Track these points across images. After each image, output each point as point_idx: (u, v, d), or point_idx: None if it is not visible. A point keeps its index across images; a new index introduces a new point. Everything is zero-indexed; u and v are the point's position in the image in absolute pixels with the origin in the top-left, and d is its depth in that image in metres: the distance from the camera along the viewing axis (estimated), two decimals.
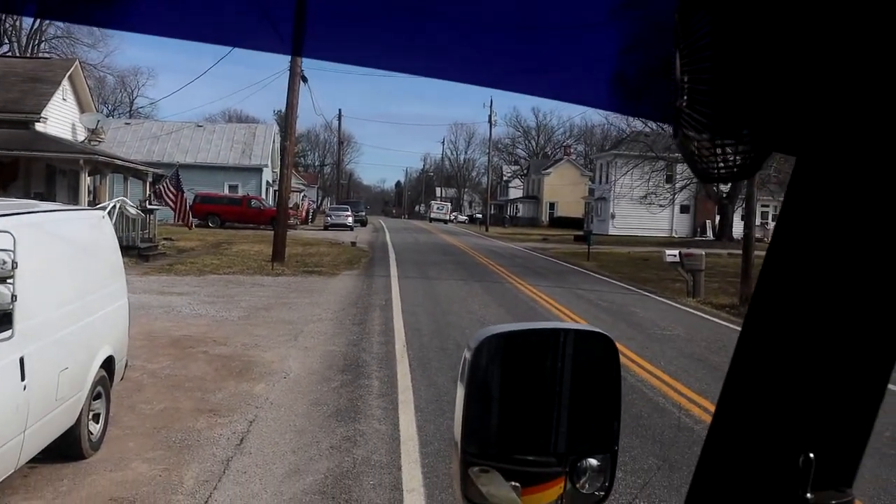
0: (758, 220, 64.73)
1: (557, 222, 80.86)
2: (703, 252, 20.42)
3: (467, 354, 0.97)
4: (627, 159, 57.95)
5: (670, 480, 6.08)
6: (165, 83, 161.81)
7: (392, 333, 11.94)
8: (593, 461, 1.01)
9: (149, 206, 24.73)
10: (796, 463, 0.74)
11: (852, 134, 0.69)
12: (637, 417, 7.66)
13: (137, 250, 21.47)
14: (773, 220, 64.74)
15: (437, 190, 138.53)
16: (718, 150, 0.72)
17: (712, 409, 5.09)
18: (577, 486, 1.00)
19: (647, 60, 1.20)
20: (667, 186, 56.94)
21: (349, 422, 7.40)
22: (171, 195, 22.05)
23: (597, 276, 24.59)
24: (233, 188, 49.26)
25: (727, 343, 12.62)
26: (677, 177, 57.42)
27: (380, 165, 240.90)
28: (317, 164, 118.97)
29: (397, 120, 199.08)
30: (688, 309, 17.21)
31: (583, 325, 1.09)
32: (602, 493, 1.02)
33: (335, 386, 8.76)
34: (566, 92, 1.33)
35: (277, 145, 56.80)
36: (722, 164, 0.72)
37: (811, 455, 0.73)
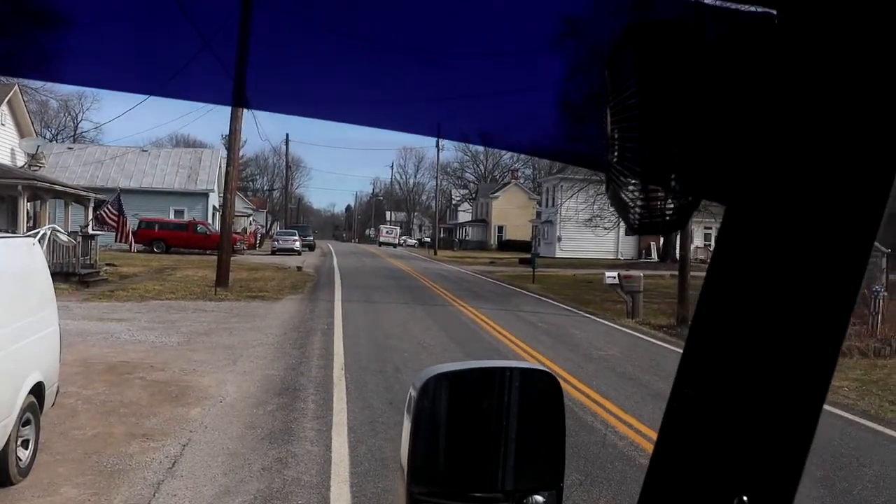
0: (702, 242, 66.23)
1: (506, 245, 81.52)
2: (641, 274, 20.92)
3: (413, 393, 0.99)
4: (573, 182, 58.80)
5: (590, 494, 6.32)
6: (110, 107, 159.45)
7: (331, 357, 12.05)
8: (539, 498, 1.02)
9: (90, 232, 24.43)
10: None
11: (774, 181, 0.71)
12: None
13: (78, 276, 21.23)
14: (714, 242, 65.99)
15: (387, 214, 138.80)
16: (650, 202, 0.73)
17: (638, 426, 5.51)
18: None
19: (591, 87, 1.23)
20: (612, 209, 57.82)
21: (282, 444, 7.51)
22: (112, 218, 21.89)
23: (540, 298, 24.97)
24: (178, 213, 48.84)
25: (659, 361, 13.02)
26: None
27: (330, 190, 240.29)
28: (265, 188, 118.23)
29: (347, 144, 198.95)
30: (625, 330, 17.61)
31: (527, 364, 1.08)
32: None
33: (271, 409, 8.86)
34: (508, 136, 1.38)
35: (224, 170, 56.58)
36: (653, 216, 0.73)
37: (745, 498, 0.73)
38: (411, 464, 0.98)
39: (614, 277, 20.80)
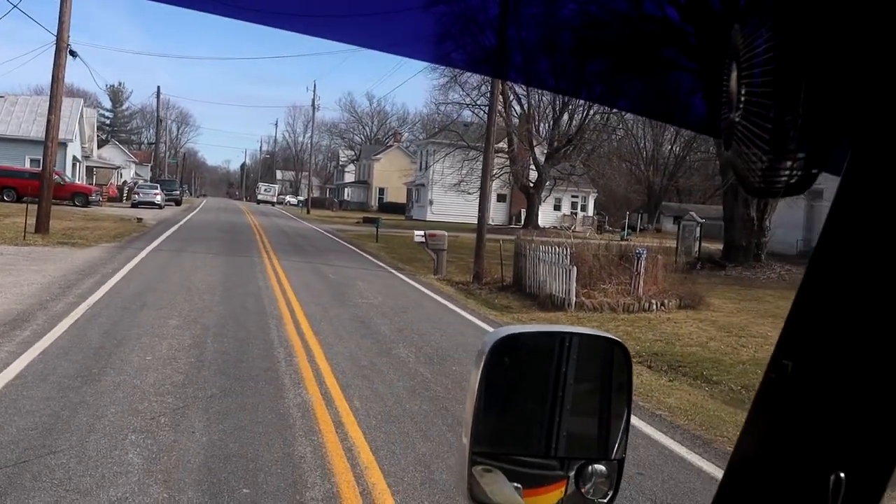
0: (568, 210, 68.46)
1: (386, 207, 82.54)
2: (444, 233, 22.18)
3: (484, 353, 0.99)
4: (443, 147, 60.07)
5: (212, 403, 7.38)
6: None
7: (89, 296, 12.77)
8: (601, 467, 1.00)
9: None
10: (826, 483, 0.69)
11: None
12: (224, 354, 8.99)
13: None
14: (581, 210, 68.77)
15: (277, 173, 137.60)
16: (774, 166, 0.69)
17: (318, 357, 6.75)
18: (583, 490, 1.01)
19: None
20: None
21: None
22: None
23: (364, 255, 26.10)
24: (35, 162, 47.63)
25: (408, 307, 14.26)
26: (496, 168, 60.36)
27: (224, 147, 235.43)
28: (148, 142, 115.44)
29: (238, 101, 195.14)
30: (415, 284, 18.83)
31: (596, 331, 1.07)
32: (605, 501, 1.02)
33: None
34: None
35: (85, 121, 55.32)
36: (775, 180, 0.69)
37: (842, 475, 0.68)
38: (474, 424, 0.97)
39: (422, 236, 22.03)
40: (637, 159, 77.13)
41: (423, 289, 17.78)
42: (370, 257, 25.58)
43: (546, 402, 1.00)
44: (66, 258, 17.85)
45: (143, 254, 19.68)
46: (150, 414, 6.85)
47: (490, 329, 12.89)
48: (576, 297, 16.53)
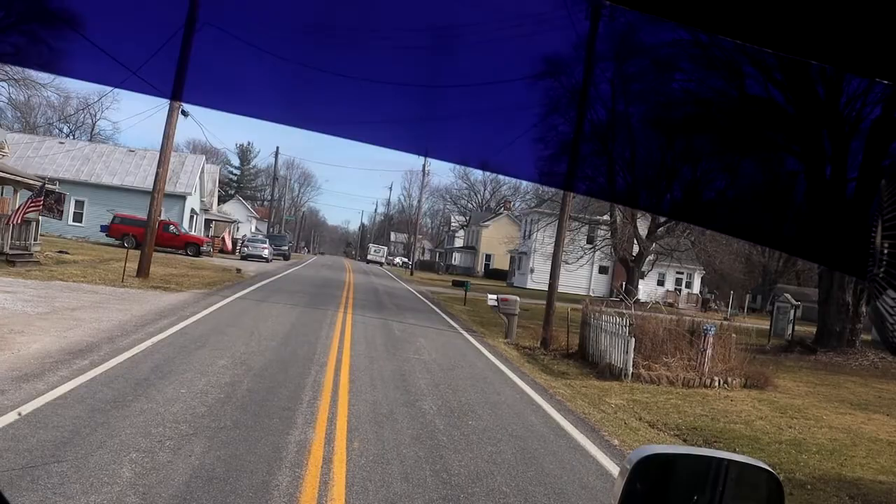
0: (672, 286, 67.33)
1: (492, 274, 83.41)
2: (517, 298, 22.50)
3: (626, 468, 0.99)
4: (545, 217, 60.51)
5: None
6: (129, 108, 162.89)
7: (158, 335, 13.75)
8: None
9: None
10: None
11: None
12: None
13: (5, 256, 23.09)
14: (685, 287, 67.61)
15: (392, 234, 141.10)
16: None
17: (339, 405, 7.49)
18: None
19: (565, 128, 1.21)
20: (586, 246, 59.59)
21: (26, 381, 9.22)
22: (33, 202, 23.63)
23: (442, 315, 26.65)
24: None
25: (458, 365, 14.64)
26: (597, 240, 60.57)
27: (344, 208, 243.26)
28: (268, 198, 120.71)
29: (356, 163, 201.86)
30: (478, 346, 19.17)
31: (748, 459, 1.05)
32: None
33: (51, 362, 10.57)
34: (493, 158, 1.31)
35: (207, 176, 58.70)
36: None
37: None
38: None
39: (495, 300, 22.42)
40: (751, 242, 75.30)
41: (484, 350, 18.11)
42: (448, 318, 26.10)
43: None
44: (154, 301, 19.13)
45: (225, 301, 20.85)
46: (158, 437, 7.49)
47: (528, 390, 13.14)
48: (634, 367, 16.51)
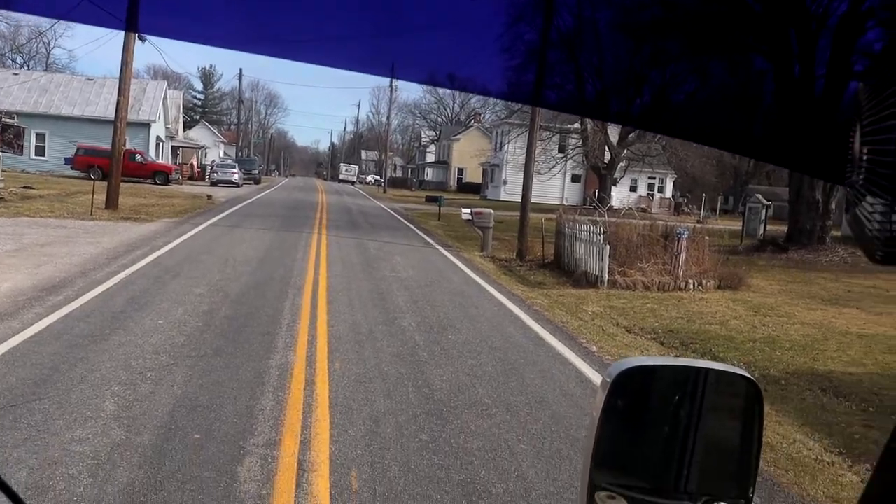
0: (644, 192, 67.73)
1: (464, 187, 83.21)
2: (491, 211, 22.51)
3: (607, 382, 0.99)
4: (516, 128, 60.10)
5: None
6: (85, 35, 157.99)
7: (131, 266, 13.64)
8: None
9: None
10: None
11: None
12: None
13: None
14: (658, 192, 67.94)
15: (363, 153, 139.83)
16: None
17: (319, 327, 7.43)
18: None
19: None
20: (558, 156, 59.44)
21: (2, 320, 9.15)
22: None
23: (417, 232, 26.65)
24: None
25: (435, 281, 14.70)
26: (569, 149, 60.39)
27: (313, 128, 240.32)
28: (234, 122, 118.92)
29: (324, 82, 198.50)
30: (454, 260, 19.21)
31: (725, 366, 1.06)
32: None
33: (23, 300, 10.46)
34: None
35: (171, 102, 57.47)
36: None
37: None
38: (596, 451, 0.97)
39: (469, 214, 22.41)
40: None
41: (460, 265, 18.18)
42: (423, 234, 26.12)
43: (671, 436, 1.00)
44: (124, 232, 18.92)
45: (197, 229, 20.68)
46: (139, 369, 7.48)
47: (506, 302, 13.25)
48: (609, 274, 16.67)
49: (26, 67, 76.82)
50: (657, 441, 1.01)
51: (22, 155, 32.99)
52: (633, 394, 1.01)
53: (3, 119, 24.64)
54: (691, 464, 0.99)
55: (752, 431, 1.03)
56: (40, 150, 48.82)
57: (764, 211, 31.92)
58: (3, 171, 27.28)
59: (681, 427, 1.00)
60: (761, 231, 31.03)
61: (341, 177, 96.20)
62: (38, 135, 48.09)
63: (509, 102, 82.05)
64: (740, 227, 32.08)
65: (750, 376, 1.03)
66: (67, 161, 45.36)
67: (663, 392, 1.02)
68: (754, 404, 1.02)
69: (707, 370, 1.01)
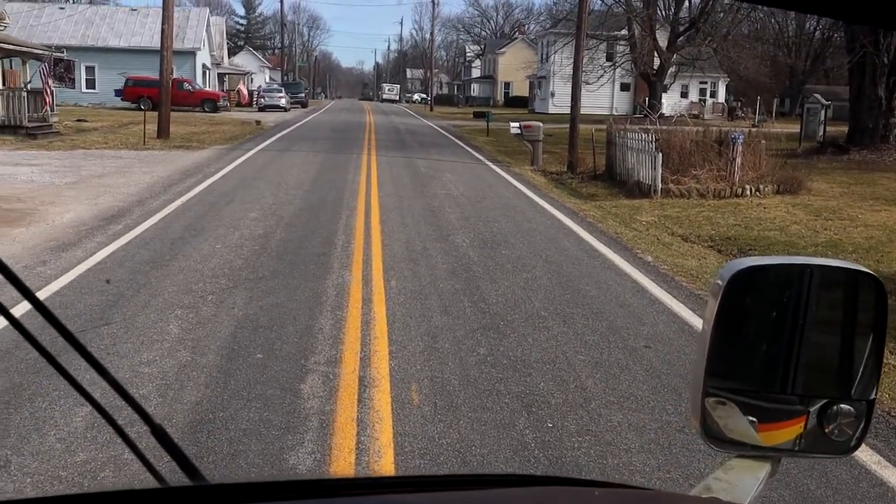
0: (696, 97, 66.06)
1: (511, 101, 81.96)
2: (540, 124, 22.18)
3: (719, 286, 0.96)
4: (562, 37, 58.66)
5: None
6: None
7: (186, 193, 13.82)
8: (848, 408, 0.97)
9: (31, 88, 25.90)
10: None
11: None
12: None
13: (25, 129, 23.03)
14: (710, 97, 66.10)
15: (408, 71, 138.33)
16: None
17: (373, 247, 7.55)
18: (826, 430, 0.97)
19: None
20: (606, 64, 58.01)
21: (61, 250, 9.38)
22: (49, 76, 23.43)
23: (466, 149, 26.45)
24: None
25: (486, 196, 14.64)
26: (617, 56, 58.79)
27: (358, 48, 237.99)
28: (278, 46, 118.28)
29: (361, 1, 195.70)
30: (505, 175, 19.08)
31: (841, 262, 1.01)
32: (853, 444, 0.99)
33: (85, 229, 10.70)
34: None
35: (214, 29, 57.26)
36: None
37: None
38: (710, 355, 0.96)
39: (517, 128, 22.11)
40: (779, 41, 72.65)
41: (511, 179, 18.05)
42: (472, 150, 25.92)
43: (786, 337, 0.96)
44: (177, 160, 19.13)
45: (248, 154, 20.81)
46: (200, 293, 7.64)
47: (559, 214, 13.15)
48: (662, 183, 16.41)
49: (71, 1, 76.85)
50: (770, 343, 0.98)
51: (74, 88, 33.39)
52: (745, 296, 0.98)
53: (54, 53, 24.79)
54: (804, 365, 0.96)
55: (872, 329, 0.98)
56: (90, 84, 49.28)
57: (823, 111, 30.91)
58: (57, 105, 27.60)
59: (792, 328, 0.96)
60: (821, 133, 30.10)
61: (384, 96, 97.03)
62: (87, 68, 48.51)
63: (554, 10, 79.98)
64: (798, 130, 31.15)
65: (873, 273, 0.98)
66: (117, 93, 45.77)
67: (775, 292, 0.98)
68: (877, 303, 0.98)
69: (819, 266, 0.97)
